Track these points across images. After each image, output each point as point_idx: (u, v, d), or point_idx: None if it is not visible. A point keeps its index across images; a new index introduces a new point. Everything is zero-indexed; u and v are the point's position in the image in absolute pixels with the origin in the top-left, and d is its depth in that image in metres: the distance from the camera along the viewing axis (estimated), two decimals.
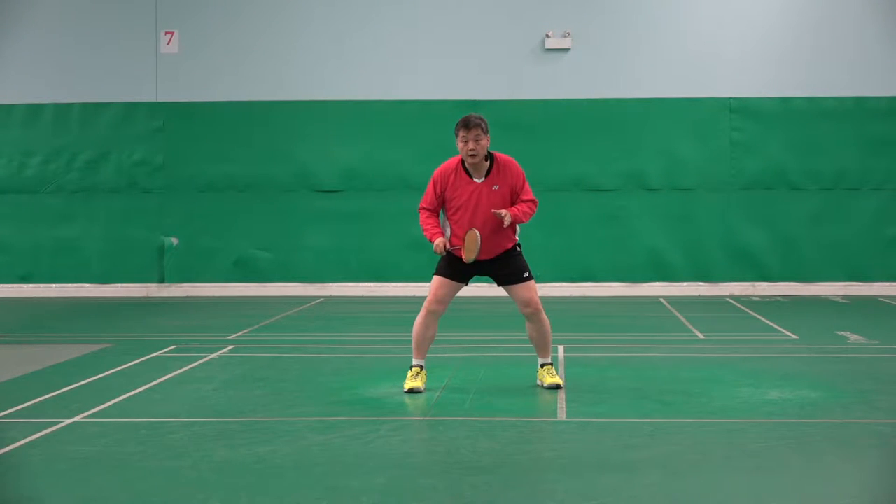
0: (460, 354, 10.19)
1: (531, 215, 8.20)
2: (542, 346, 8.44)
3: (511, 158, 8.27)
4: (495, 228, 8.14)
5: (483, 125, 8.05)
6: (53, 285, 17.42)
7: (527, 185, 8.24)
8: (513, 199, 8.19)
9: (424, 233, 8.25)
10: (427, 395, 8.18)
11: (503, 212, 8.02)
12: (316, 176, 17.26)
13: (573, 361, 9.77)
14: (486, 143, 8.07)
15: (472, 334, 11.84)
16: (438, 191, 8.22)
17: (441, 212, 8.34)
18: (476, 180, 8.16)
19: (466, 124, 8.03)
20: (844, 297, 16.46)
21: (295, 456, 6.34)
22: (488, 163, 8.15)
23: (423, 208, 8.31)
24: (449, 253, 8.22)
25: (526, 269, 8.31)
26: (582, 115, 17.01)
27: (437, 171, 8.25)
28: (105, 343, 11.28)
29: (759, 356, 10.29)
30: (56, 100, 17.38)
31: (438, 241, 8.13)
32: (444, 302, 8.30)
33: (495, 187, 8.13)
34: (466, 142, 8.03)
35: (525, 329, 8.48)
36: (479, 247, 8.00)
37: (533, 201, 8.21)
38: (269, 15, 17.35)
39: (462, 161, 8.17)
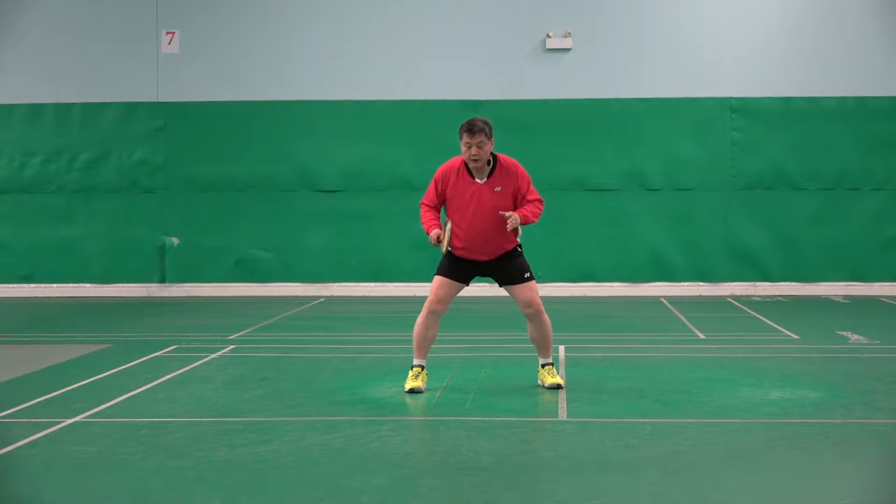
0: (461, 354, 10.19)
1: (539, 215, 8.22)
2: (543, 347, 8.45)
3: (515, 161, 8.27)
4: (497, 229, 8.15)
5: (487, 130, 8.05)
6: (54, 285, 17.42)
7: (532, 187, 8.26)
8: (516, 201, 8.19)
9: (422, 225, 8.30)
10: (428, 395, 8.18)
11: (509, 213, 8.02)
12: (316, 176, 17.25)
13: (574, 361, 9.77)
14: (489, 147, 8.09)
15: (472, 334, 11.84)
16: (439, 189, 8.26)
17: (443, 212, 8.37)
18: (478, 181, 8.17)
19: (470, 129, 8.03)
20: (845, 297, 16.45)
21: (295, 456, 6.35)
22: (491, 164, 8.17)
23: (424, 204, 8.37)
24: (450, 253, 8.26)
25: (527, 269, 8.31)
26: (582, 115, 17.01)
27: (439, 170, 8.28)
28: (105, 343, 11.27)
29: (759, 356, 10.29)
30: (57, 100, 17.38)
31: (434, 233, 8.17)
32: (445, 302, 8.31)
33: (497, 189, 8.14)
34: (469, 147, 8.04)
35: (526, 329, 8.49)
36: (449, 238, 8.12)
37: (539, 200, 8.25)
38: (269, 15, 17.34)
39: (465, 161, 8.18)
